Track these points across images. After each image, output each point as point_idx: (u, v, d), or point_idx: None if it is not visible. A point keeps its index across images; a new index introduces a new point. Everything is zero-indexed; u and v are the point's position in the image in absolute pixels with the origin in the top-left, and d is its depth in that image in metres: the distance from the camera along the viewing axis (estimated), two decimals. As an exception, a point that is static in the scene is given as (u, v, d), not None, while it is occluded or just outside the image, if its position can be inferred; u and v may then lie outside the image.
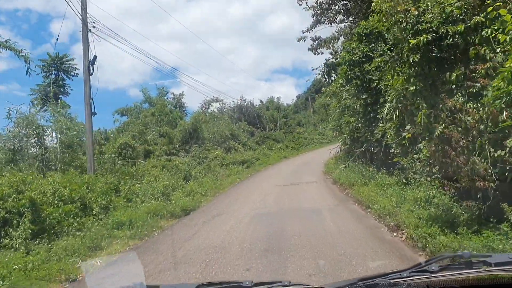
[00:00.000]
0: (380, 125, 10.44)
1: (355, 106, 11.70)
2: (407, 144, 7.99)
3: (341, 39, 22.59)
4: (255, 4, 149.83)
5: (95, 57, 13.68)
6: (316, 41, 22.82)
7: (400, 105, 8.02)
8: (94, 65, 13.72)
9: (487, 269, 1.35)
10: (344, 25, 22.39)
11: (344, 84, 12.68)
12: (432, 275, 1.38)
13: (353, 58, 10.66)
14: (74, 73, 18.64)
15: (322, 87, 70.51)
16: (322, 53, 23.28)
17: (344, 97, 13.64)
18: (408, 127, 7.81)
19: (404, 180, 7.64)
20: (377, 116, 10.62)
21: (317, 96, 68.82)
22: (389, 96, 8.61)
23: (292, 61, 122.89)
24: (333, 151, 21.62)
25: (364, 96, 10.68)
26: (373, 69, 10.62)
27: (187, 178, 16.79)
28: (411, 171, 7.54)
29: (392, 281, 1.36)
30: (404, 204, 7.00)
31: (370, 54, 10.69)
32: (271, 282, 1.48)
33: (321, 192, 11.84)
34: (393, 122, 8.66)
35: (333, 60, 20.85)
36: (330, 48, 23.07)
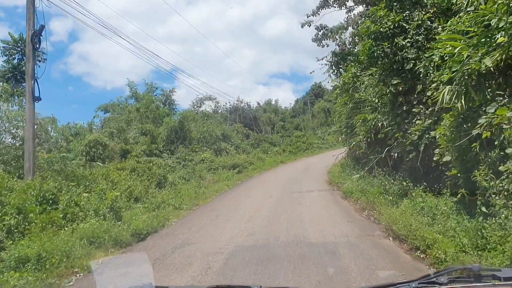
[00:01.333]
0: (418, 122, 7.45)
1: (382, 96, 8.76)
2: (478, 149, 5.00)
3: (350, 29, 19.73)
4: (254, 7, 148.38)
5: (42, 26, 10.63)
6: (322, 31, 19.88)
7: (469, 85, 5.05)
8: (41, 37, 10.70)
9: (496, 283, 1.34)
10: (354, 14, 19.52)
11: (363, 68, 9.77)
12: (441, 286, 1.37)
13: (381, 29, 7.70)
14: (42, 58, 15.88)
15: (323, 89, 68.05)
16: (327, 45, 20.34)
17: (364, 84, 10.69)
18: (483, 120, 4.83)
19: (482, 208, 4.62)
20: (413, 109, 7.64)
21: (316, 100, 66.73)
22: (445, 74, 5.62)
23: (290, 66, 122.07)
24: (339, 157, 18.68)
25: (395, 82, 7.70)
26: (408, 45, 7.66)
27: (161, 185, 13.71)
28: (493, 192, 4.55)
29: None
30: (493, 253, 3.98)
31: (404, 24, 7.75)
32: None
33: (330, 212, 8.80)
34: (450, 114, 5.66)
35: (342, 50, 17.97)
36: (337, 39, 20.14)
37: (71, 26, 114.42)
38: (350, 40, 19.41)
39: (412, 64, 7.53)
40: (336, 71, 15.02)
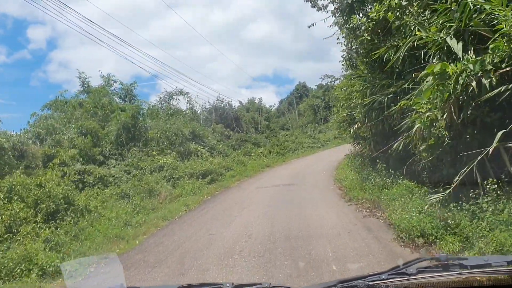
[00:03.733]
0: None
1: None
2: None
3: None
4: (236, 12, 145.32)
5: None
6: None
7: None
8: None
9: (463, 271, 1.37)
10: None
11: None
12: (410, 277, 1.39)
13: None
14: None
15: (307, 89, 62.96)
16: (325, 8, 14.82)
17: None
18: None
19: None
20: None
21: (301, 101, 61.75)
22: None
23: (273, 69, 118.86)
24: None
25: None
26: None
27: (59, 214, 7.87)
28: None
29: (371, 283, 1.37)
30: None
31: None
32: (251, 284, 1.48)
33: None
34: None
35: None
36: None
37: (50, 34, 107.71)
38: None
39: None
40: (348, 20, 9.57)
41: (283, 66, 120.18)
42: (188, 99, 27.90)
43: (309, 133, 36.94)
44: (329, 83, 55.12)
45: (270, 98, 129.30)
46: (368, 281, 1.39)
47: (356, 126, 11.18)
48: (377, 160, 9.48)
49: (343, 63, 15.17)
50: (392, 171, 8.13)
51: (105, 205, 11.87)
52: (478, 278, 1.34)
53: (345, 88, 13.83)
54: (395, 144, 7.87)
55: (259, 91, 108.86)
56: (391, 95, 8.25)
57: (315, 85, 60.85)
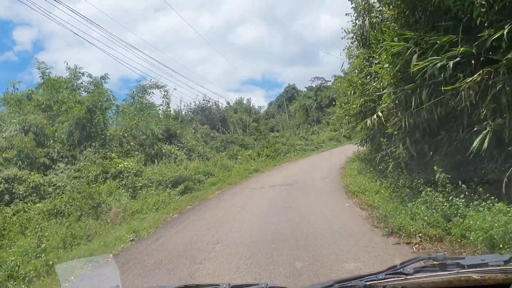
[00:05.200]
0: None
1: None
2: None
3: None
4: (225, 16, 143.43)
5: None
6: None
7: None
8: None
9: (460, 271, 1.34)
10: None
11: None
12: (407, 277, 1.36)
13: None
14: None
15: (297, 91, 59.78)
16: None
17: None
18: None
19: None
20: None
21: (290, 103, 58.66)
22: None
23: (262, 73, 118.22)
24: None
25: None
26: None
27: None
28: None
29: (368, 283, 1.34)
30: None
31: None
32: (249, 284, 1.47)
33: None
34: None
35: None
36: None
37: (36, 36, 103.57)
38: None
39: None
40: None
41: (272, 70, 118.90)
42: (165, 93, 24.25)
43: (302, 135, 33.68)
44: (322, 83, 52.61)
45: (259, 102, 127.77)
46: (365, 281, 1.36)
47: (377, 116, 7.89)
48: (422, 166, 6.21)
49: (352, 39, 12.06)
50: (463, 186, 4.85)
51: (31, 227, 8.41)
52: (475, 277, 1.30)
53: (357, 71, 10.61)
54: (475, 142, 4.62)
55: (248, 95, 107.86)
56: (457, 59, 5.01)
57: (305, 87, 57.93)
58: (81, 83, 26.18)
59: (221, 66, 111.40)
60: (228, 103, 55.40)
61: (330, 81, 51.97)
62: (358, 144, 12.81)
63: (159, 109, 21.62)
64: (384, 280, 1.36)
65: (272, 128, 53.77)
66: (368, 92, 9.27)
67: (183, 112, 45.47)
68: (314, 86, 53.96)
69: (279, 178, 14.60)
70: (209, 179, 15.38)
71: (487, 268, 1.32)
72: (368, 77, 9.77)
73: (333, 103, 50.64)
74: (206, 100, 51.29)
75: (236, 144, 28.67)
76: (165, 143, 17.37)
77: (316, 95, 51.63)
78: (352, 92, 10.46)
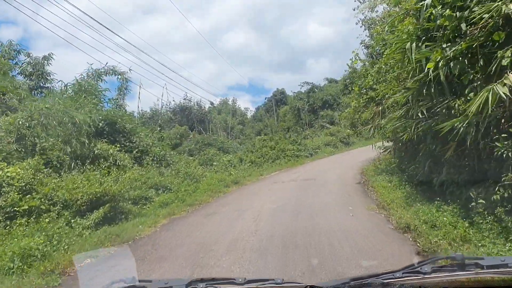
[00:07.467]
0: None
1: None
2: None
3: None
4: (213, 22, 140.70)
5: None
6: None
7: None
8: None
9: (479, 271, 1.30)
10: None
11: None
12: (425, 276, 1.33)
13: None
14: None
15: (286, 95, 54.88)
16: None
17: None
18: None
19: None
20: None
21: (279, 108, 53.81)
22: None
23: (249, 79, 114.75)
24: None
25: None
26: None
27: None
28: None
29: (385, 281, 1.32)
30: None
31: None
32: (264, 280, 1.43)
33: None
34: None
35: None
36: None
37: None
38: None
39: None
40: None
41: (260, 76, 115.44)
42: (123, 81, 18.82)
43: (293, 138, 28.52)
44: (313, 85, 47.78)
45: (246, 106, 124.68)
46: (382, 279, 1.32)
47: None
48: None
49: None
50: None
51: None
52: (494, 278, 1.26)
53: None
54: None
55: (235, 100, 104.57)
56: None
57: (293, 92, 53.05)
58: (15, 62, 20.70)
59: (208, 70, 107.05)
60: (212, 103, 49.92)
61: (320, 85, 47.57)
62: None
63: (105, 96, 16.08)
64: (401, 279, 1.32)
65: (259, 131, 48.84)
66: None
67: (163, 111, 40.19)
68: (303, 92, 49.10)
69: (267, 199, 9.34)
70: (162, 196, 10.12)
71: (507, 269, 1.27)
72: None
73: (327, 105, 46.28)
74: (188, 100, 45.73)
75: (214, 146, 23.31)
76: (103, 140, 11.95)
77: (309, 96, 46.75)
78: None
